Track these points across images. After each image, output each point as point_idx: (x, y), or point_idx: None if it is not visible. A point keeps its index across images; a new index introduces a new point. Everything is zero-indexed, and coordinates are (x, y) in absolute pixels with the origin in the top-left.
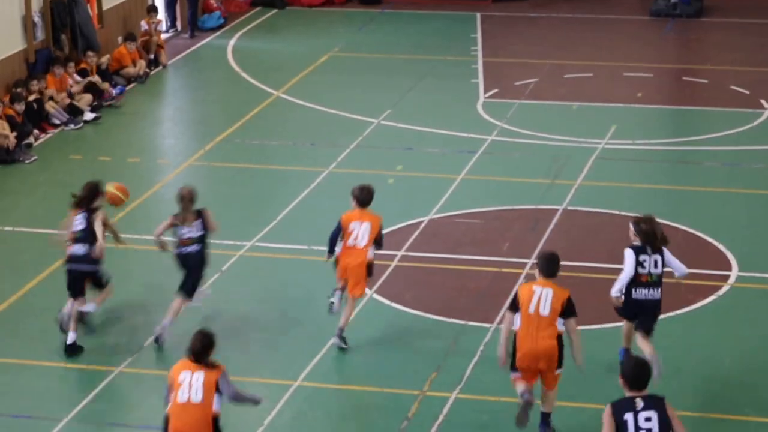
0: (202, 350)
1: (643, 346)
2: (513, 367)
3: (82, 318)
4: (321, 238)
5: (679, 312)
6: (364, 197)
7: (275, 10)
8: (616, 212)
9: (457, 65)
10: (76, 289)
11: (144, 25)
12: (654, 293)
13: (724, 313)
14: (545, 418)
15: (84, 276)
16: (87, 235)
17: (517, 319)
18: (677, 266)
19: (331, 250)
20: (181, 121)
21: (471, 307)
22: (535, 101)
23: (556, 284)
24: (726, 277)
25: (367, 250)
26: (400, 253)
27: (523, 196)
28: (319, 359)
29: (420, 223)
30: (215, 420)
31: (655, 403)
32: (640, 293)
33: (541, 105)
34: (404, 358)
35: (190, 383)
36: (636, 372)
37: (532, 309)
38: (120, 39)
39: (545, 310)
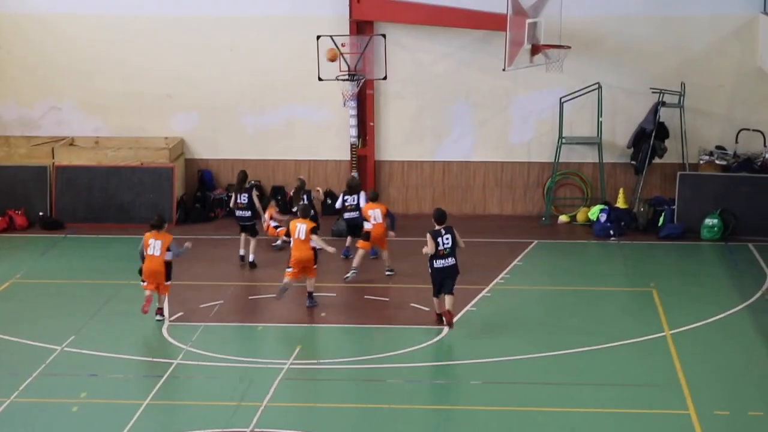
0: (159, 225)
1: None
2: (289, 266)
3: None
4: None
5: None
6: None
7: None
8: None
9: (141, 289)
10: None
11: None
12: (354, 214)
13: None
14: (310, 295)
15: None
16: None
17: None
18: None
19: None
20: None
21: None
22: (221, 323)
23: (307, 220)
24: None
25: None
26: None
27: (210, 419)
28: None
29: None
30: (167, 264)
31: (449, 229)
32: (347, 216)
33: (227, 327)
34: None
35: (154, 244)
36: (439, 215)
37: (296, 235)
38: None
39: (301, 235)
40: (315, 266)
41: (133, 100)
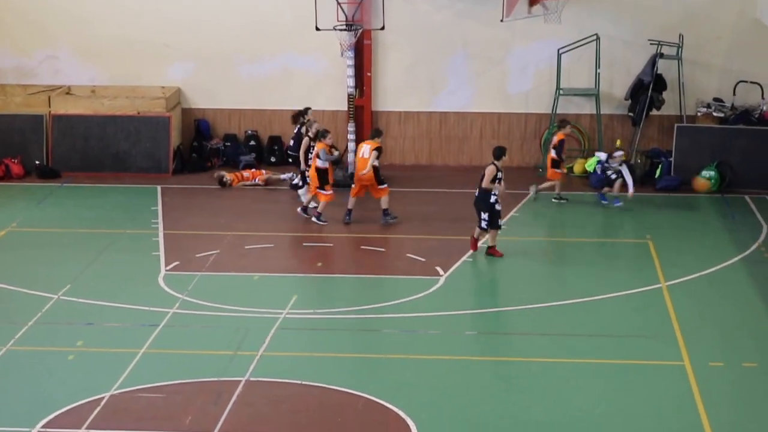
0: (320, 136)
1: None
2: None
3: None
4: (4, 420)
5: None
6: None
7: None
8: (299, 382)
9: (138, 238)
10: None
11: None
12: None
13: None
14: (385, 212)
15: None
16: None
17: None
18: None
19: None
20: None
21: None
22: (217, 273)
23: (372, 141)
24: None
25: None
26: (80, 431)
27: (205, 368)
28: None
29: (101, 399)
30: (318, 170)
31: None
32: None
33: (223, 276)
34: None
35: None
36: (499, 151)
37: (359, 154)
38: None
39: (365, 154)
40: (382, 186)
41: (129, 48)
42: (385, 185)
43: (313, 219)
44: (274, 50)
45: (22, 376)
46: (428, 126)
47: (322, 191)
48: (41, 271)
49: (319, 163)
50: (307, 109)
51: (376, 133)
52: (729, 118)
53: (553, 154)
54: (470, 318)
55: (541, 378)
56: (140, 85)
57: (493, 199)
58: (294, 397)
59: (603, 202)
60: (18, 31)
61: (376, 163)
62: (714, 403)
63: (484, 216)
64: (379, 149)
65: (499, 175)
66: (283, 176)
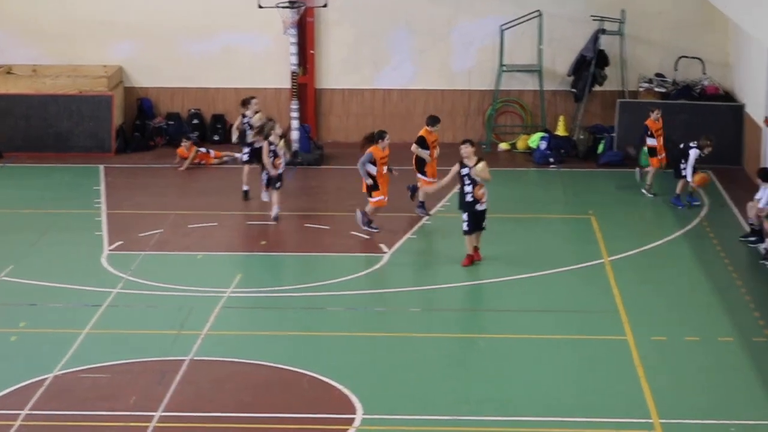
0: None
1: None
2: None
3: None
4: None
5: None
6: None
7: None
8: (244, 360)
9: (80, 218)
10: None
11: None
12: None
13: None
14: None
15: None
16: None
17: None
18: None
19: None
20: None
21: None
22: (160, 252)
23: (424, 129)
24: (351, 420)
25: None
26: (24, 413)
27: (149, 348)
28: None
29: (45, 380)
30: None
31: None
32: None
33: (166, 255)
34: None
35: None
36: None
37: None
38: None
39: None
40: (420, 176)
41: (71, 27)
42: (431, 180)
43: (364, 227)
44: (216, 28)
45: None
46: (372, 103)
47: (371, 198)
48: None
49: (372, 169)
50: (251, 98)
51: (428, 121)
52: (671, 93)
53: (649, 142)
54: (414, 295)
55: (486, 354)
56: (82, 64)
57: (469, 198)
58: (238, 376)
59: (680, 206)
60: None
61: (418, 151)
62: (657, 378)
63: (464, 217)
64: (419, 139)
65: (464, 171)
66: (229, 158)
